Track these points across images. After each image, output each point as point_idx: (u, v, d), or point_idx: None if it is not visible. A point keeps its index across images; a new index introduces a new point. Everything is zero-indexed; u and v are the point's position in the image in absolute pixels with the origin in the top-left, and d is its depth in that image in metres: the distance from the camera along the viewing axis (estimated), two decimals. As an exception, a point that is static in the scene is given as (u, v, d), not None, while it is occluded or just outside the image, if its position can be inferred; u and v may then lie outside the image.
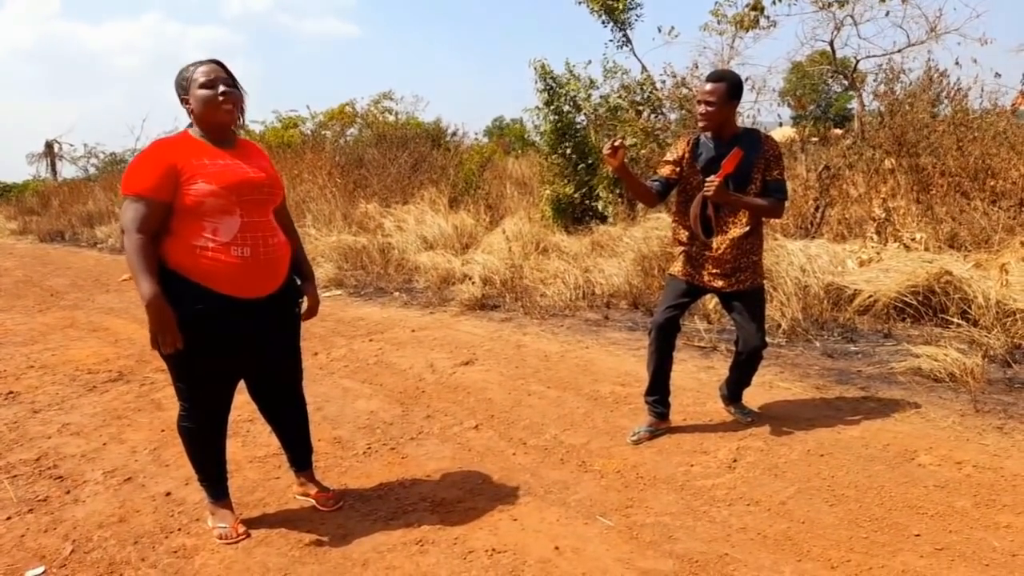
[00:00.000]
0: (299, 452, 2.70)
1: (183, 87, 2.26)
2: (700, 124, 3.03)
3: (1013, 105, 6.99)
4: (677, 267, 3.23)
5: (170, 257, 2.20)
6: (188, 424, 2.42)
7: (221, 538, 2.43)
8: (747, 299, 3.11)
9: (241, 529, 2.46)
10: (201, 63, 2.26)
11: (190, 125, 2.31)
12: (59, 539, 2.49)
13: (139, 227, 2.13)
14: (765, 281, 3.34)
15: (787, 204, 3.06)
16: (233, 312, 2.25)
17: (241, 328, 2.29)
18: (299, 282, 2.54)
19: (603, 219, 7.88)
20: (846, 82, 9.73)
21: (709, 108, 2.93)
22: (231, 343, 2.30)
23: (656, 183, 3.11)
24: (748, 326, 3.11)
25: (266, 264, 2.30)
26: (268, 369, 2.51)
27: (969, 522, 2.38)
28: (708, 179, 2.99)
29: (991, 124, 6.55)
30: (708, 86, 2.95)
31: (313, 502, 2.65)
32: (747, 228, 3.04)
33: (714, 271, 3.10)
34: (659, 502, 2.60)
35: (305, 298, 2.55)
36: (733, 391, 3.38)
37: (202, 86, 2.22)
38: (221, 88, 2.22)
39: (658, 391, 3.24)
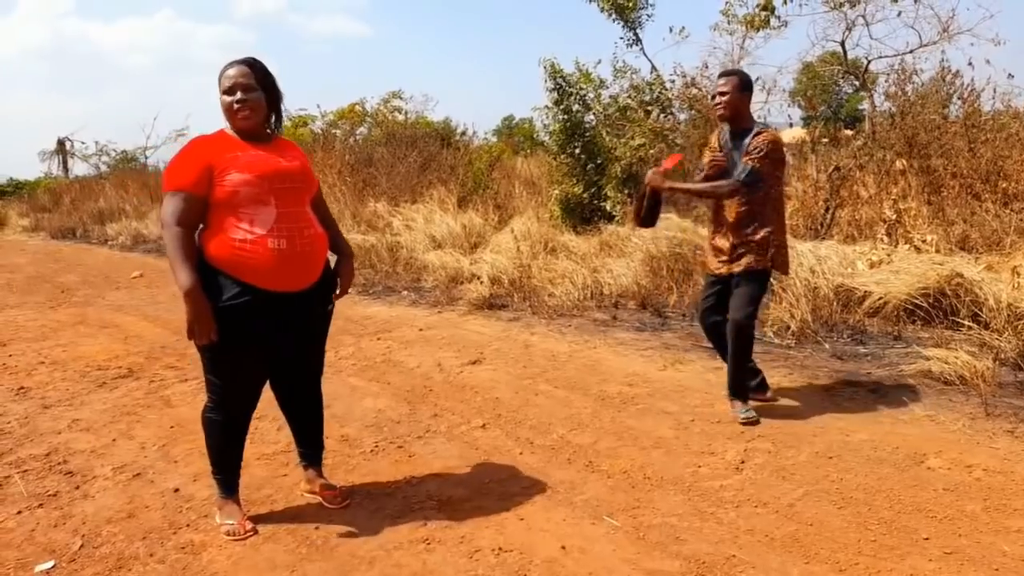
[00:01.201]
0: (311, 447, 2.71)
1: (219, 86, 2.31)
2: (718, 113, 3.32)
3: (1026, 106, 6.92)
4: (704, 260, 3.51)
5: (209, 251, 2.25)
6: (214, 416, 2.44)
7: (228, 534, 2.44)
8: (743, 279, 3.28)
9: (248, 526, 2.47)
10: (232, 65, 2.30)
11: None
12: (69, 534, 2.51)
13: (177, 220, 2.19)
14: (776, 276, 3.42)
15: (739, 186, 3.18)
16: (269, 306, 2.27)
17: (275, 322, 2.31)
18: (337, 259, 2.58)
19: (611, 219, 7.87)
20: (857, 83, 9.67)
21: (723, 98, 3.23)
22: (264, 337, 2.32)
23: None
24: (735, 303, 3.29)
25: (302, 257, 2.31)
26: (293, 362, 2.53)
27: (979, 526, 2.36)
28: (651, 170, 3.35)
29: (1003, 126, 6.49)
30: (722, 80, 3.29)
31: (320, 499, 2.66)
32: (740, 212, 3.23)
33: (722, 258, 3.34)
34: (666, 503, 2.59)
35: (338, 288, 2.58)
36: (729, 383, 3.40)
37: (224, 91, 2.28)
38: (238, 96, 2.27)
39: (748, 375, 3.40)
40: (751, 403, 3.39)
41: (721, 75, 3.35)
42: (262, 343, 2.34)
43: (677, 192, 3.38)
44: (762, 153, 3.12)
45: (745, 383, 3.41)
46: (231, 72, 2.28)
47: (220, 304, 2.20)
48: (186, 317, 2.17)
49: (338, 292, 2.58)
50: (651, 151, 7.83)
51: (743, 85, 3.24)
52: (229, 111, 2.29)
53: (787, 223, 5.93)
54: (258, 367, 2.42)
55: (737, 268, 3.28)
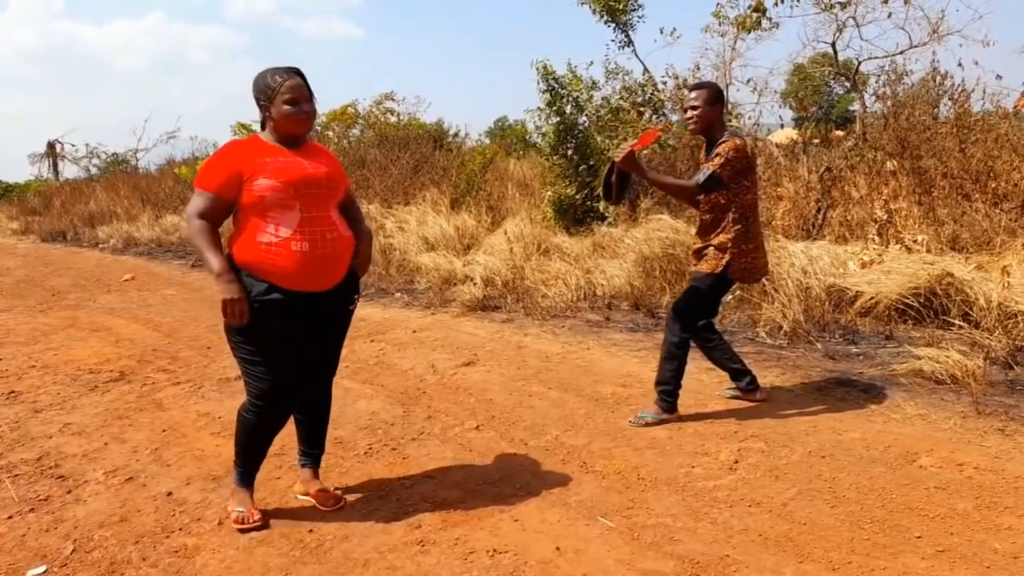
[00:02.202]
0: (314, 448, 2.74)
1: (266, 95, 2.35)
2: (690, 127, 3.39)
3: (1015, 107, 6.98)
4: None
5: (237, 254, 2.33)
6: (250, 417, 2.47)
7: (237, 521, 2.49)
8: (692, 279, 3.39)
9: (257, 515, 2.51)
10: (287, 76, 2.35)
11: (262, 128, 2.44)
12: (60, 538, 2.49)
13: (200, 214, 2.31)
14: (769, 278, 3.43)
15: (696, 189, 3.25)
16: (294, 305, 2.33)
17: (301, 321, 2.38)
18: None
19: (604, 220, 7.89)
20: (848, 84, 9.71)
21: (695, 112, 3.28)
22: (292, 336, 2.38)
23: None
24: (677, 298, 3.47)
25: (324, 259, 2.36)
26: (313, 361, 2.56)
27: (971, 524, 2.37)
28: (621, 146, 3.38)
29: (993, 126, 6.54)
30: (693, 93, 3.33)
31: (313, 502, 2.66)
32: (705, 217, 3.32)
33: (693, 260, 3.45)
34: (660, 503, 2.60)
35: (359, 296, 2.63)
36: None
37: (287, 102, 2.33)
38: (304, 106, 2.35)
39: (670, 374, 3.39)
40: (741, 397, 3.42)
41: (692, 88, 3.39)
42: (290, 342, 2.38)
43: (643, 177, 3.35)
44: (722, 159, 3.15)
45: (668, 379, 3.36)
46: (292, 83, 2.34)
47: (251, 299, 2.27)
48: (220, 298, 2.25)
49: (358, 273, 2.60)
50: (644, 151, 7.84)
51: (714, 97, 3.28)
52: (291, 119, 2.35)
53: (779, 223, 5.91)
54: (290, 366, 2.44)
55: (693, 268, 3.40)
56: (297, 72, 2.38)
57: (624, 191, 3.47)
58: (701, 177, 3.21)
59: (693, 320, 3.39)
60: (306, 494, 2.69)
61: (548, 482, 2.80)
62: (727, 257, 3.23)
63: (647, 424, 3.31)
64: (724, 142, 3.20)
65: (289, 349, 2.39)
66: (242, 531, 2.47)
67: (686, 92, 8.17)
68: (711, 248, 3.28)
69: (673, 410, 3.39)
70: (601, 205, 8.02)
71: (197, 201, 2.32)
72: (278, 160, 2.34)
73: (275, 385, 2.41)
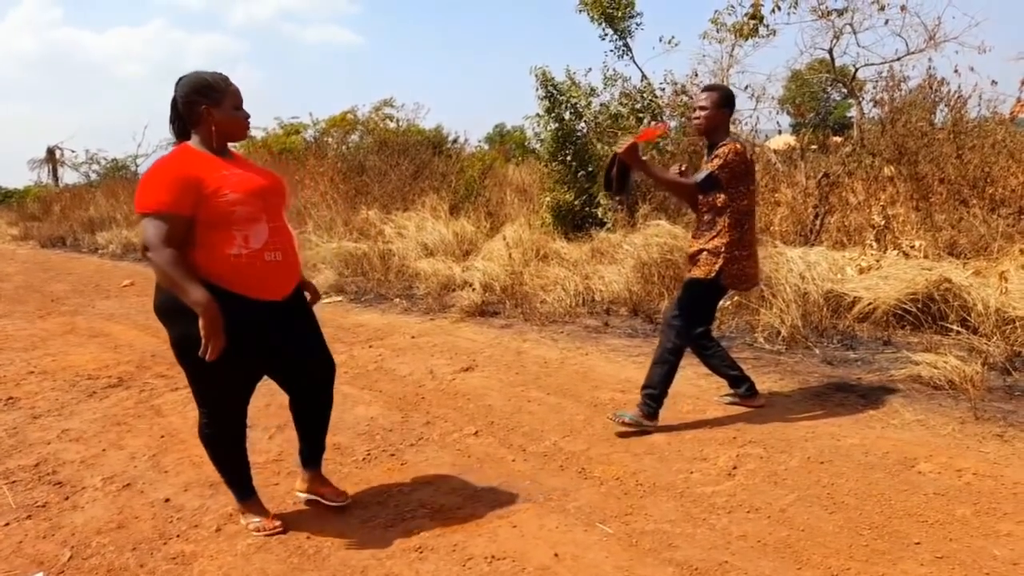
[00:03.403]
0: (315, 448, 2.72)
1: (211, 97, 2.26)
2: (695, 125, 3.37)
3: (1012, 113, 7.00)
4: None
5: (203, 267, 2.20)
6: (211, 431, 2.45)
7: (258, 531, 2.49)
8: (685, 284, 3.39)
9: (276, 522, 2.51)
10: (228, 80, 2.32)
11: (188, 138, 2.32)
12: (57, 545, 2.49)
13: (165, 242, 2.12)
14: (767, 284, 3.43)
15: (694, 188, 3.26)
16: (265, 315, 2.31)
17: (271, 329, 2.35)
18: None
19: (603, 226, 7.89)
20: (845, 90, 9.74)
21: (703, 112, 3.27)
22: (264, 345, 2.36)
23: None
24: (671, 304, 3.47)
25: (292, 266, 2.39)
26: (306, 361, 2.54)
27: (969, 530, 2.37)
28: (623, 139, 3.36)
29: (990, 132, 6.56)
30: (704, 94, 3.33)
31: (318, 499, 2.67)
32: (702, 220, 3.33)
33: (688, 264, 3.44)
34: (659, 509, 2.59)
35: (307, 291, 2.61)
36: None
37: (237, 107, 2.32)
38: (245, 111, 2.35)
39: (659, 379, 3.34)
40: (742, 403, 3.41)
41: (704, 89, 3.39)
42: (261, 351, 2.36)
43: (644, 172, 3.36)
44: (722, 161, 3.16)
45: (654, 384, 3.33)
46: (236, 88, 2.33)
47: (227, 318, 2.16)
48: (204, 332, 2.11)
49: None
50: (645, 156, 7.85)
51: (723, 101, 3.28)
52: (239, 124, 2.34)
53: (777, 229, 5.92)
54: (252, 376, 2.45)
55: (688, 273, 3.39)
56: (229, 78, 2.35)
57: (625, 185, 3.42)
58: (699, 177, 3.22)
59: (690, 327, 3.39)
60: (310, 491, 2.69)
61: (546, 488, 2.80)
62: (720, 262, 3.23)
63: (624, 424, 3.27)
64: (724, 145, 3.21)
65: (255, 362, 2.38)
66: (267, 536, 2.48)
67: (696, 93, 8.21)
68: (704, 252, 3.28)
69: (654, 417, 3.32)
70: (599, 211, 8.03)
71: (154, 227, 2.11)
72: (233, 172, 2.25)
73: (232, 394, 2.40)
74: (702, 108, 3.27)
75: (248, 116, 2.36)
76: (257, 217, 2.25)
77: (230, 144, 2.41)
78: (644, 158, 3.39)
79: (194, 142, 2.30)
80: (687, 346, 3.43)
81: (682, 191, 3.45)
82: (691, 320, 3.38)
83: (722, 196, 3.22)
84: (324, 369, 2.62)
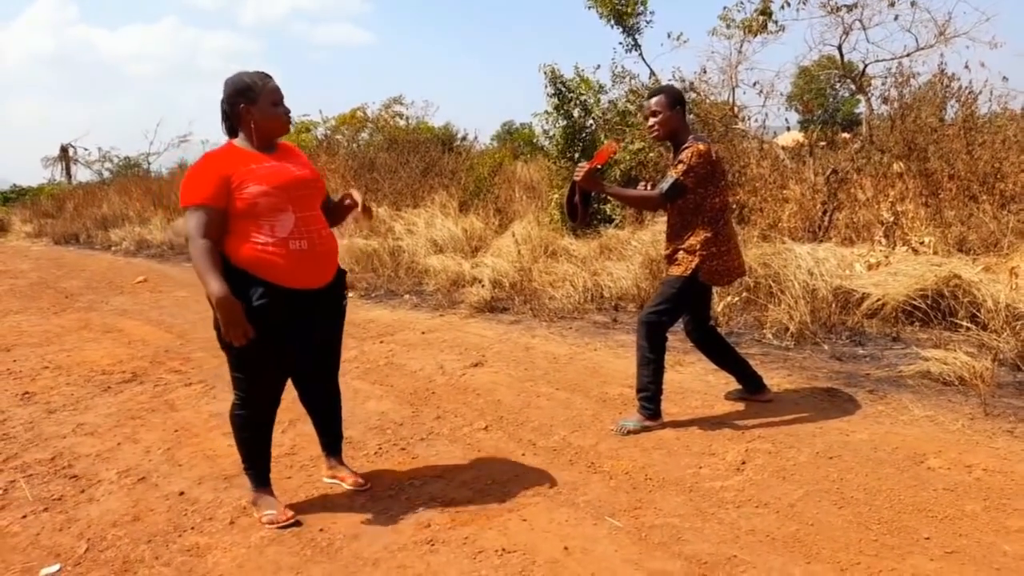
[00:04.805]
0: (332, 437, 2.86)
1: (248, 97, 2.38)
2: (652, 136, 3.32)
3: (1023, 108, 6.96)
4: None
5: (233, 256, 2.34)
6: (242, 412, 2.53)
7: (271, 523, 2.53)
8: (663, 282, 3.38)
9: (289, 513, 2.56)
10: (267, 79, 2.42)
11: (231, 134, 2.46)
12: (74, 537, 2.53)
13: (203, 233, 2.29)
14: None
15: (660, 199, 3.19)
16: (293, 303, 2.39)
17: (299, 317, 2.44)
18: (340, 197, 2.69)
19: (611, 223, 7.90)
20: (854, 86, 9.69)
21: (655, 119, 3.22)
22: (291, 332, 2.43)
23: None
24: (649, 301, 3.43)
25: (321, 255, 2.46)
26: (316, 356, 2.66)
27: (979, 526, 2.37)
28: (579, 165, 3.29)
29: (1000, 128, 6.52)
30: (652, 99, 3.25)
31: (343, 485, 2.80)
32: (673, 222, 3.28)
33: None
34: (668, 504, 2.61)
35: (348, 292, 2.77)
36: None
37: (275, 103, 2.41)
38: (286, 108, 2.45)
39: (649, 378, 3.30)
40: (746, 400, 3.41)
41: (650, 95, 3.30)
42: (289, 339, 2.45)
43: (606, 194, 3.36)
44: (685, 166, 3.10)
45: (645, 386, 3.30)
46: (274, 85, 2.43)
47: (249, 305, 2.30)
48: (221, 322, 2.27)
49: (359, 206, 2.63)
50: (651, 154, 7.85)
51: (673, 101, 3.20)
52: (277, 120, 2.43)
53: (785, 225, 5.90)
54: (283, 361, 2.52)
55: (665, 273, 3.38)
56: (271, 76, 2.45)
57: (587, 211, 3.47)
58: (664, 186, 3.14)
59: (662, 323, 3.29)
60: (335, 478, 2.84)
61: (556, 482, 2.82)
62: (696, 260, 3.19)
63: (628, 432, 3.23)
64: (687, 148, 3.12)
65: (284, 346, 2.45)
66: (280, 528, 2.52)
67: (696, 92, 8.18)
68: (681, 252, 3.24)
69: (656, 416, 3.30)
70: (608, 208, 8.03)
71: (196, 219, 2.30)
72: (264, 166, 2.37)
73: (265, 380, 2.49)
74: (654, 114, 3.21)
75: (288, 111, 2.46)
76: (282, 208, 2.35)
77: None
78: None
79: (239, 140, 2.45)
80: (663, 342, 3.31)
81: (648, 204, 3.43)
82: (665, 316, 3.29)
83: (692, 199, 3.16)
84: (334, 360, 2.76)
